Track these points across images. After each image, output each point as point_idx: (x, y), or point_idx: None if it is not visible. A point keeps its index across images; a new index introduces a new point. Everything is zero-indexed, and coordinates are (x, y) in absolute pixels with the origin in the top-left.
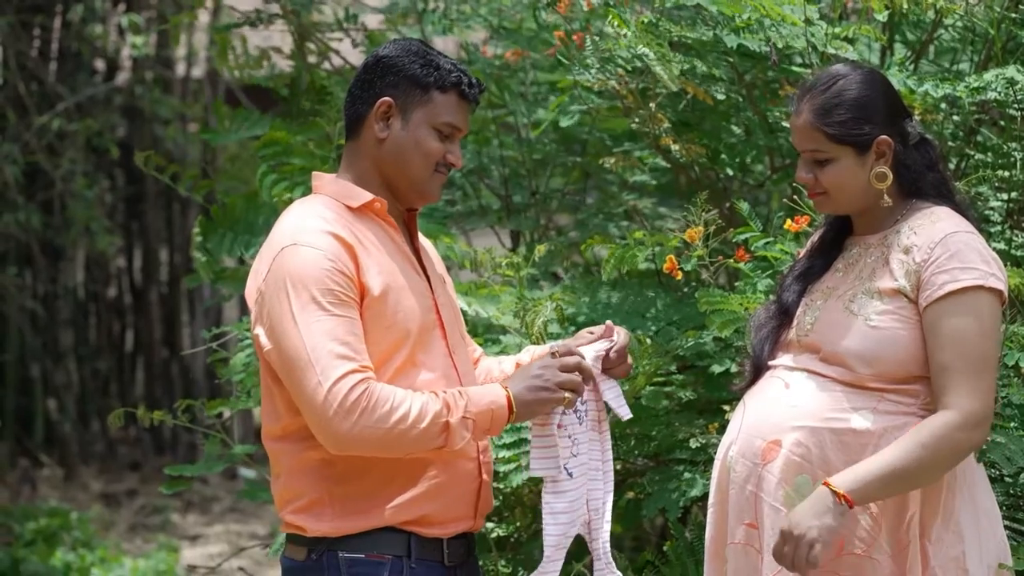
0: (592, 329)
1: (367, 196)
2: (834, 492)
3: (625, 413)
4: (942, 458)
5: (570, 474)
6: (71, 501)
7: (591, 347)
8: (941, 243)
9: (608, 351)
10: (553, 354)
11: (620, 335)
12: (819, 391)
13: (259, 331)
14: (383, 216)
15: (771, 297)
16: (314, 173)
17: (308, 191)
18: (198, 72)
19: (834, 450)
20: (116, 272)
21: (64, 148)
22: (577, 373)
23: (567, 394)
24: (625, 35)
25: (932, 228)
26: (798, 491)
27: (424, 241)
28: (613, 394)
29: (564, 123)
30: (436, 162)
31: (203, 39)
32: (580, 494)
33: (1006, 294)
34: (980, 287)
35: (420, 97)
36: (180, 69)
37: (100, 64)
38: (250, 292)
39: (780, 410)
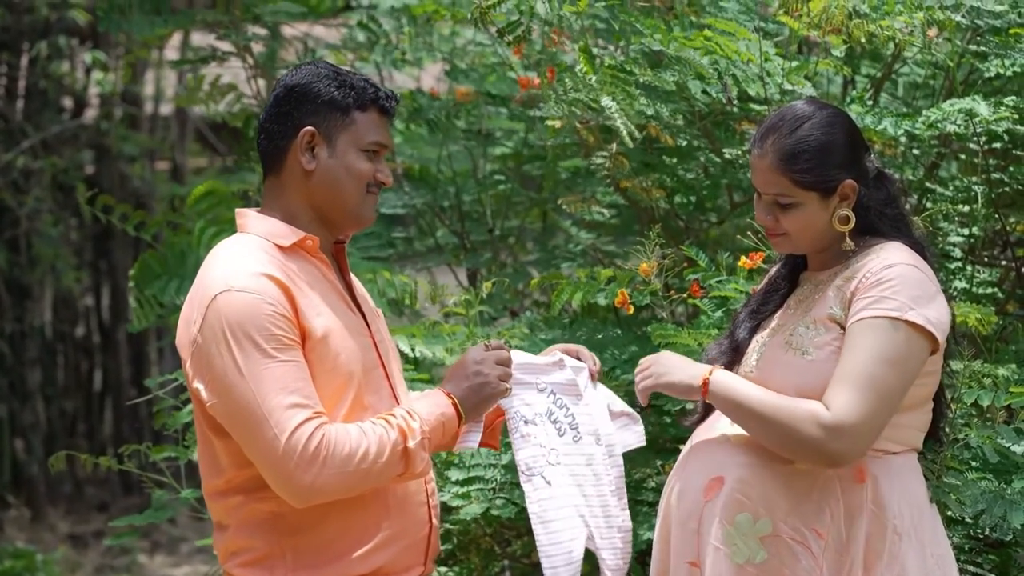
0: (566, 348)
1: (298, 234)
2: (705, 376)
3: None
4: (786, 437)
5: (548, 481)
6: (38, 542)
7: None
8: (876, 272)
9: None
10: (486, 346)
11: (590, 361)
12: None
13: (199, 385)
14: (314, 253)
15: (724, 333)
16: (238, 211)
17: None
18: (166, 110)
19: (776, 489)
20: (84, 311)
21: (30, 186)
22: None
23: (507, 385)
24: (590, 80)
25: (875, 260)
26: (739, 529)
27: (352, 276)
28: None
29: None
30: (367, 183)
31: (172, 77)
32: (564, 504)
33: (935, 332)
34: (895, 319)
35: (342, 120)
36: (148, 107)
37: (68, 102)
38: (183, 342)
39: (724, 447)
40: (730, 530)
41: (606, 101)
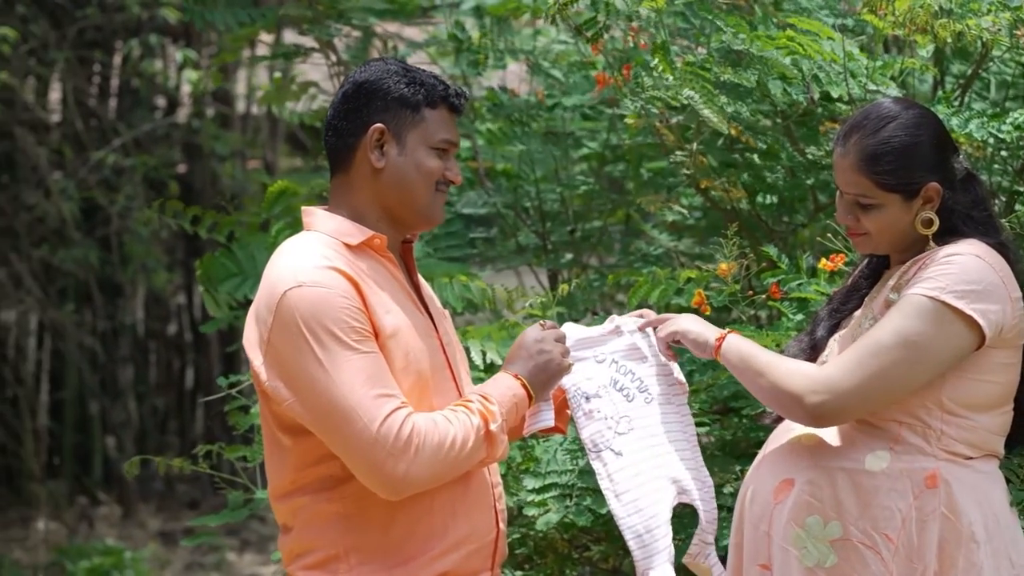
0: (630, 315)
1: (365, 233)
2: (720, 337)
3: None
4: (774, 387)
5: (618, 452)
6: (128, 539)
7: (630, 321)
8: (937, 260)
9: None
10: (541, 325)
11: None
12: (836, 429)
13: (275, 384)
14: (382, 252)
15: (805, 331)
16: (305, 209)
17: None
18: (258, 109)
19: (847, 491)
20: (176, 309)
21: (121, 184)
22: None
23: (569, 361)
24: (666, 80)
25: (942, 250)
26: (809, 532)
27: (419, 276)
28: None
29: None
30: (437, 181)
31: (263, 76)
32: (642, 469)
33: (979, 320)
34: (932, 298)
35: (412, 118)
36: (240, 106)
37: (160, 100)
38: (251, 342)
39: (796, 450)
40: (800, 533)
41: (688, 92)
